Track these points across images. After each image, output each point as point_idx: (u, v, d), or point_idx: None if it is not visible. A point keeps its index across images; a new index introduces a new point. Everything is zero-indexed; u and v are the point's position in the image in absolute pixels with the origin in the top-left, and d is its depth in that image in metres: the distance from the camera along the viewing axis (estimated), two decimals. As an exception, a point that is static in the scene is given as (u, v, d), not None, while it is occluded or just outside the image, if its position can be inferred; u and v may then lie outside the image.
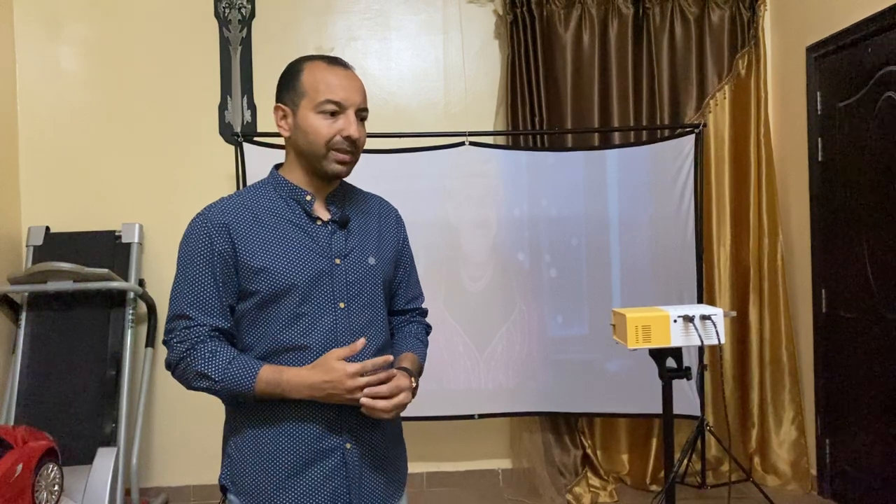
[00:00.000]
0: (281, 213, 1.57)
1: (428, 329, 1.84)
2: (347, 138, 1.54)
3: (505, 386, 3.83)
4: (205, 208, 1.57)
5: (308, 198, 1.59)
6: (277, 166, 1.65)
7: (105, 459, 3.41)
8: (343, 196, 1.65)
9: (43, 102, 3.98)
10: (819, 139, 3.71)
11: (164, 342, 1.54)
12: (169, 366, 1.54)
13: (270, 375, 1.47)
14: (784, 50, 4.02)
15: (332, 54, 1.65)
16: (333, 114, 1.54)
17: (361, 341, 1.49)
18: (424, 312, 1.85)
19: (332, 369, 1.45)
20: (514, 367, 3.83)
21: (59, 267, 3.45)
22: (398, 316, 1.78)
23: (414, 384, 1.57)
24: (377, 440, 1.59)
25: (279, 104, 1.60)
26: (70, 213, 3.93)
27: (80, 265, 3.49)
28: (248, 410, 1.56)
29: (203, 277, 1.51)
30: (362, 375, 1.45)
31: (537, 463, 3.97)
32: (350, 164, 1.59)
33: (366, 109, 1.60)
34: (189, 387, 1.52)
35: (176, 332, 1.51)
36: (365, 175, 1.80)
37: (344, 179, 1.69)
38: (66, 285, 3.58)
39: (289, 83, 1.59)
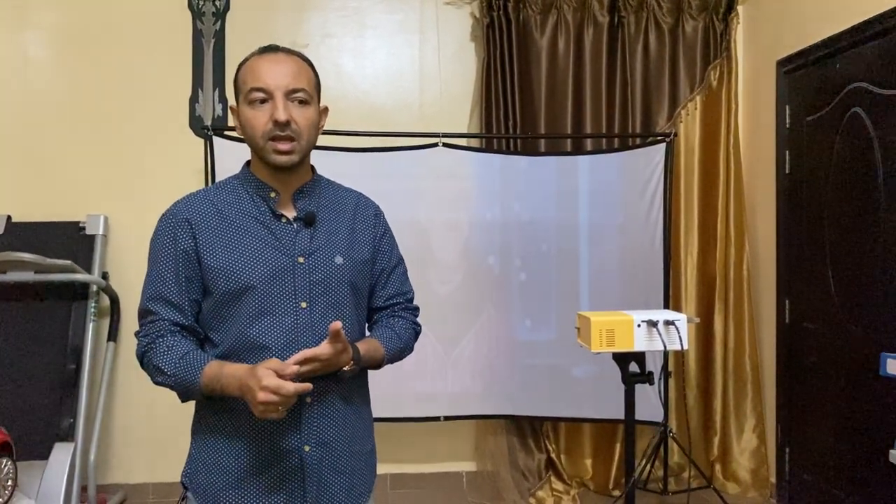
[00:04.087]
0: (246, 209, 1.56)
1: (415, 326, 1.75)
2: (276, 123, 1.48)
3: (471, 389, 3.82)
4: (173, 203, 1.58)
5: (273, 195, 1.57)
6: (249, 162, 1.63)
7: (61, 455, 3.34)
8: (313, 192, 1.62)
9: (8, 89, 3.89)
10: (787, 152, 3.76)
11: (135, 334, 1.56)
12: (138, 359, 1.56)
13: (213, 369, 1.46)
14: (755, 63, 4.08)
15: (300, 49, 1.62)
16: (263, 101, 1.50)
17: (294, 368, 1.37)
18: (409, 308, 1.76)
19: (254, 376, 1.37)
20: (481, 370, 3.83)
21: (20, 257, 3.38)
22: (377, 312, 1.72)
23: (351, 364, 1.49)
24: (340, 443, 1.56)
25: (231, 105, 1.59)
26: (33, 202, 3.85)
27: (42, 256, 3.42)
28: (210, 409, 1.55)
29: (166, 274, 1.52)
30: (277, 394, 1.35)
31: (501, 466, 3.98)
32: (292, 152, 1.51)
33: (301, 90, 1.51)
34: (153, 381, 1.53)
35: (142, 326, 1.54)
36: (337, 173, 1.78)
37: (320, 174, 1.67)
38: (27, 276, 3.51)
39: (234, 82, 1.59)
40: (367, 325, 1.74)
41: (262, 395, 1.33)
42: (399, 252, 1.77)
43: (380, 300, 1.71)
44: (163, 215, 1.57)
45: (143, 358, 1.53)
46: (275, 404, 1.34)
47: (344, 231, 1.62)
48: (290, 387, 1.34)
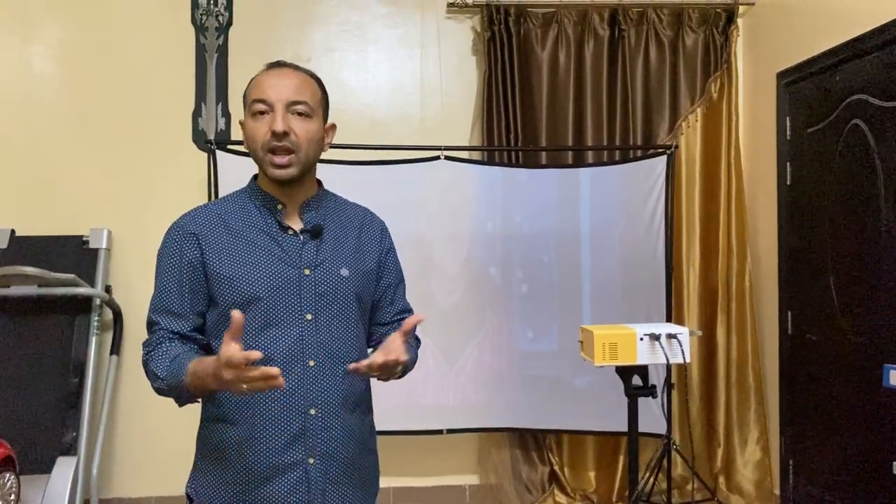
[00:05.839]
0: (254, 222, 1.57)
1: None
2: (273, 133, 1.49)
3: (474, 401, 3.82)
4: (180, 216, 1.60)
5: (279, 207, 1.58)
6: (257, 175, 1.64)
7: (64, 469, 3.34)
8: (320, 205, 1.63)
9: (13, 103, 3.92)
10: (787, 164, 3.78)
11: (142, 344, 1.58)
12: (143, 368, 1.57)
13: (194, 367, 1.43)
14: (755, 75, 4.10)
15: (305, 64, 1.64)
16: (263, 113, 1.51)
17: (256, 354, 1.30)
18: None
19: (218, 356, 1.32)
20: (483, 381, 3.83)
21: (24, 271, 3.39)
22: (383, 326, 1.74)
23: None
24: (344, 455, 1.56)
25: (240, 119, 1.61)
26: (37, 216, 3.86)
27: (46, 270, 3.43)
28: (213, 421, 1.56)
29: (170, 286, 1.54)
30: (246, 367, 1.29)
31: (505, 479, 3.97)
32: (289, 165, 1.52)
33: (302, 103, 1.52)
34: (153, 389, 1.52)
35: (148, 336, 1.56)
36: (339, 186, 1.79)
37: (327, 189, 1.68)
38: (31, 290, 3.52)
39: (242, 98, 1.61)
40: (370, 339, 1.75)
41: (227, 374, 1.29)
42: (401, 268, 1.79)
43: (387, 316, 1.73)
44: (169, 228, 1.58)
45: (145, 367, 1.54)
46: (238, 379, 1.28)
47: (350, 244, 1.63)
48: (235, 354, 1.27)
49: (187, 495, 1.59)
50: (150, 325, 1.56)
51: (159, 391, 1.51)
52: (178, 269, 1.54)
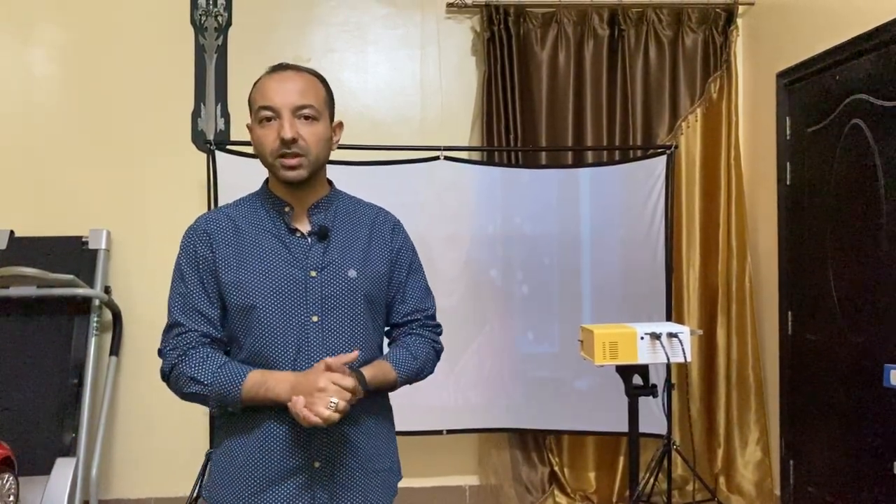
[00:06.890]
0: (263, 224, 1.58)
1: (434, 344, 1.73)
2: (282, 140, 1.49)
3: (474, 402, 3.81)
4: (196, 219, 1.61)
5: (287, 209, 1.58)
6: (269, 179, 1.64)
7: (63, 470, 3.33)
8: (329, 206, 1.62)
9: (11, 104, 3.91)
10: (787, 164, 3.77)
11: (159, 351, 1.55)
12: (163, 375, 1.55)
13: (258, 376, 1.46)
14: (755, 75, 4.09)
15: (305, 65, 1.63)
16: (270, 119, 1.51)
17: (354, 354, 1.45)
18: (428, 325, 1.75)
19: (312, 369, 1.43)
20: (483, 383, 3.82)
21: (23, 272, 3.38)
22: (396, 329, 1.72)
23: (353, 390, 1.44)
24: (352, 461, 1.56)
25: (247, 123, 1.60)
26: (36, 217, 3.86)
27: (45, 270, 3.42)
28: (227, 426, 1.56)
29: (194, 286, 1.53)
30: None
31: (505, 480, 3.96)
32: (300, 167, 1.52)
33: (308, 107, 1.52)
34: (181, 394, 1.52)
35: (169, 339, 1.53)
36: (339, 186, 1.78)
37: (338, 188, 1.69)
38: (30, 291, 3.51)
39: (248, 102, 1.60)
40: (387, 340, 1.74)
41: (322, 381, 1.40)
42: (419, 265, 1.75)
43: (398, 316, 1.70)
44: (185, 231, 1.59)
45: (174, 371, 1.51)
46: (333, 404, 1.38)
47: (359, 245, 1.62)
48: (348, 380, 1.41)
49: (203, 497, 1.60)
50: (173, 327, 1.53)
51: (191, 396, 1.50)
52: (197, 270, 1.54)
